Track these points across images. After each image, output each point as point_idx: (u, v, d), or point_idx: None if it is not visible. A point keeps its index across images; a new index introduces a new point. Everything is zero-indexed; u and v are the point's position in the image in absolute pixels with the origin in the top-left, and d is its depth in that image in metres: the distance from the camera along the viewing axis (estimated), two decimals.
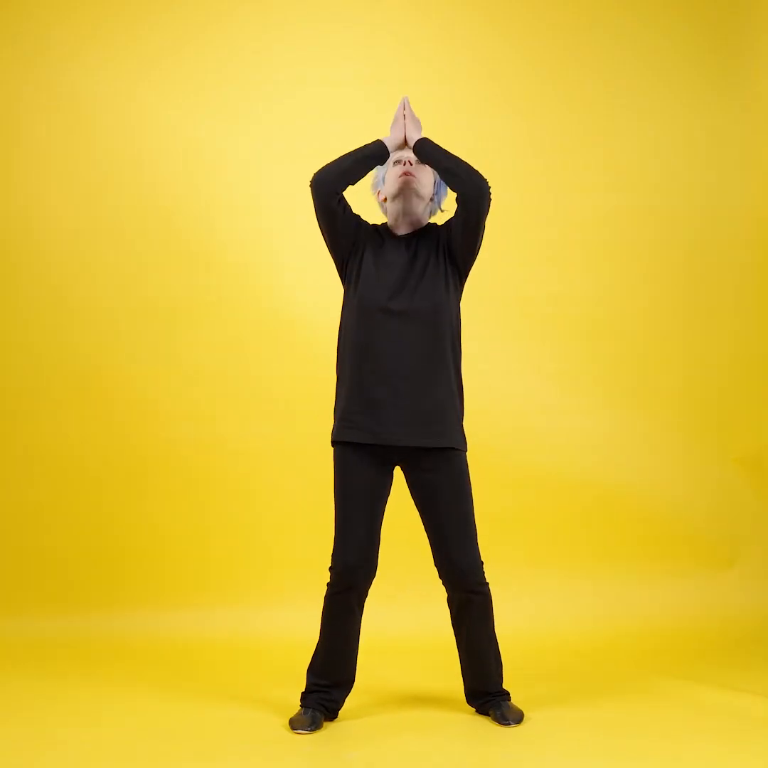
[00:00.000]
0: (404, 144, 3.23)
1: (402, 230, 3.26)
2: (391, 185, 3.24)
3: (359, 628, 3.20)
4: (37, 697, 3.50)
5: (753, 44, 4.90)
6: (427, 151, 3.17)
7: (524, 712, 3.19)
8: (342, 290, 3.27)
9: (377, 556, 3.15)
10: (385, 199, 3.29)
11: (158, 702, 3.41)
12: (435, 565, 3.19)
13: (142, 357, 4.69)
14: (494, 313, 4.78)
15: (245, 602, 4.50)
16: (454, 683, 3.33)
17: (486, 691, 3.22)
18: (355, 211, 3.26)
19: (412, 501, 3.21)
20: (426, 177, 3.25)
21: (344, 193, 3.20)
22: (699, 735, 3.04)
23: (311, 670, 3.20)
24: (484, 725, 3.15)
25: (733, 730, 3.08)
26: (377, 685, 3.55)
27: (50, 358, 4.68)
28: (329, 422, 3.22)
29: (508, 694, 3.24)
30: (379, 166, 3.28)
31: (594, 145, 4.90)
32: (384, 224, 3.31)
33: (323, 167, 3.18)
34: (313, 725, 3.08)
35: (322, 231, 3.24)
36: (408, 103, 3.25)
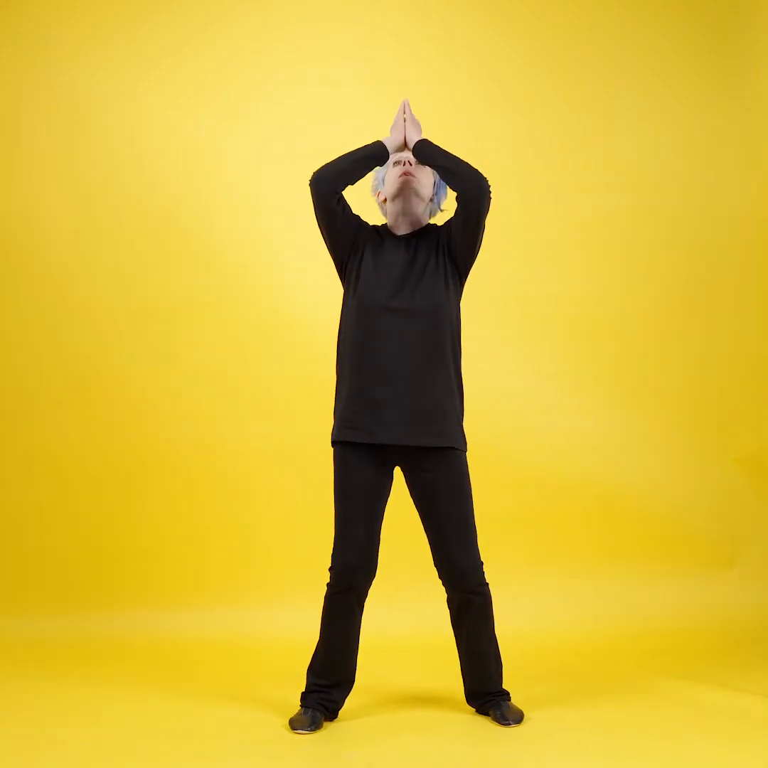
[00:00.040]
0: (404, 146, 3.23)
1: (402, 230, 3.26)
2: (391, 185, 3.25)
3: (359, 628, 3.20)
4: (37, 697, 3.50)
5: (753, 44, 4.90)
6: (426, 152, 3.17)
7: (524, 712, 3.19)
8: (342, 290, 3.27)
9: (377, 557, 3.15)
10: (385, 200, 3.29)
11: (158, 702, 3.41)
12: (435, 565, 3.18)
13: (142, 357, 4.69)
14: (494, 313, 4.78)
15: (245, 602, 4.50)
16: (454, 683, 3.33)
17: (486, 692, 3.22)
18: (354, 212, 3.26)
19: (412, 501, 3.21)
20: (426, 177, 3.25)
21: (345, 197, 3.20)
22: (699, 735, 3.04)
23: (311, 670, 3.20)
24: (484, 725, 3.15)
25: (733, 730, 3.08)
26: (377, 685, 3.55)
27: (50, 358, 4.68)
28: (329, 422, 3.22)
29: (508, 694, 3.24)
30: (378, 168, 3.29)
31: (594, 145, 4.90)
32: (384, 225, 3.32)
33: (322, 166, 3.18)
34: (313, 725, 3.08)
35: (321, 231, 3.24)
36: (408, 106, 3.25)
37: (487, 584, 3.17)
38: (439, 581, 3.20)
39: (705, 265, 4.93)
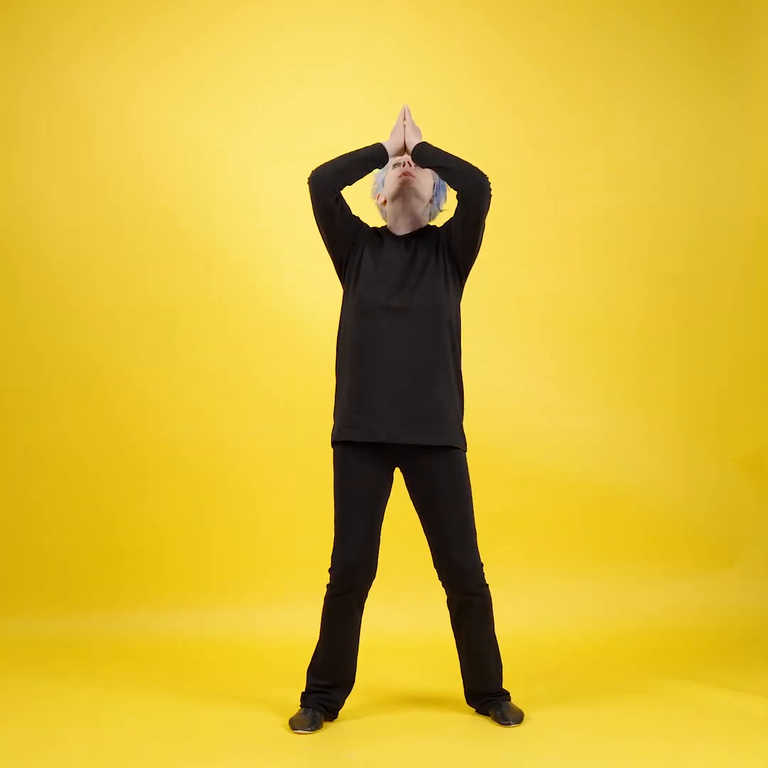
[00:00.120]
0: (404, 150, 3.22)
1: (401, 231, 3.26)
2: (390, 186, 3.25)
3: (359, 628, 3.20)
4: (37, 697, 3.50)
5: (753, 44, 4.90)
6: (425, 155, 3.17)
7: (524, 712, 3.19)
8: (341, 290, 3.27)
9: (377, 557, 3.14)
10: (385, 202, 3.30)
11: (158, 702, 3.40)
12: (435, 567, 3.18)
13: (142, 357, 4.69)
14: (494, 313, 4.78)
15: (245, 602, 4.50)
16: (454, 683, 3.33)
17: (486, 692, 3.22)
18: (354, 214, 3.26)
19: (411, 502, 3.21)
20: (425, 178, 3.25)
21: (344, 198, 3.20)
22: (699, 735, 3.04)
23: (311, 671, 3.20)
24: (484, 725, 3.15)
25: (733, 730, 3.08)
26: (377, 685, 3.55)
27: (50, 358, 4.68)
28: (329, 422, 3.22)
29: (508, 694, 3.23)
30: (377, 171, 3.29)
31: (594, 145, 4.90)
32: (384, 226, 3.32)
33: (321, 165, 3.18)
34: (313, 725, 3.08)
35: (320, 230, 3.24)
36: (408, 111, 3.25)
37: (487, 585, 3.17)
38: (439, 582, 3.20)
39: (705, 265, 4.93)
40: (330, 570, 3.12)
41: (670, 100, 4.93)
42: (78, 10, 4.76)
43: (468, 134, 4.57)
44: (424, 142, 3.19)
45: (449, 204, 3.33)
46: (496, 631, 3.23)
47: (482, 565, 3.15)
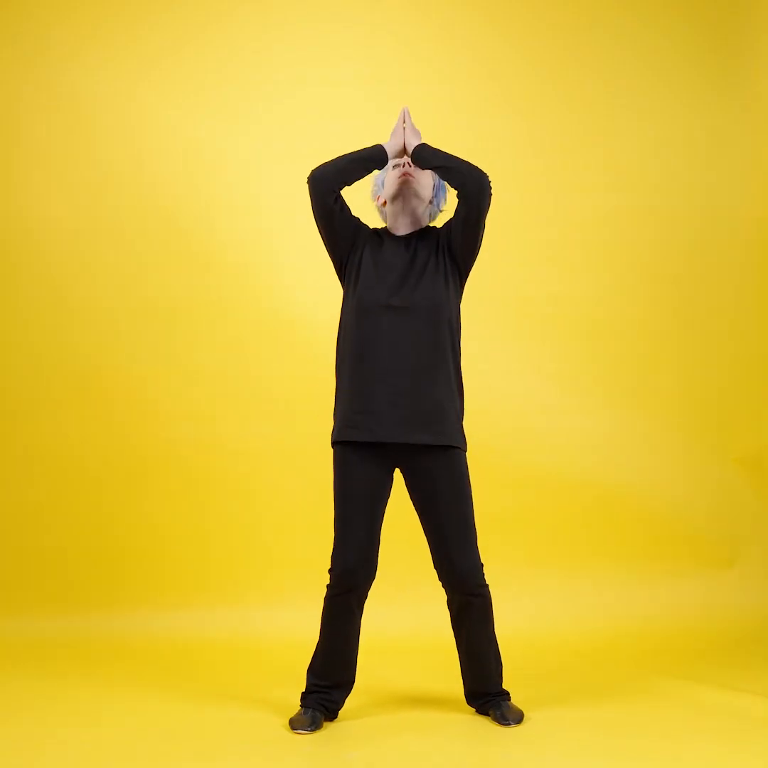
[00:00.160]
0: (403, 151, 3.22)
1: (401, 231, 3.26)
2: (390, 186, 3.25)
3: (359, 628, 3.19)
4: (37, 697, 3.50)
5: (753, 44, 4.90)
6: (425, 156, 3.16)
7: (524, 712, 3.19)
8: (342, 290, 3.27)
9: (377, 558, 3.14)
10: (385, 203, 3.30)
11: (158, 702, 3.40)
12: (434, 567, 3.18)
13: (142, 357, 4.69)
14: (494, 313, 4.78)
15: (245, 602, 4.50)
16: (454, 683, 3.33)
17: (486, 692, 3.22)
18: (354, 215, 3.26)
19: (411, 502, 3.21)
20: (425, 178, 3.26)
21: (344, 199, 3.20)
22: (699, 735, 3.04)
23: (311, 671, 3.20)
24: (484, 725, 3.15)
25: (733, 730, 3.08)
26: (377, 685, 3.55)
27: (50, 358, 4.68)
28: (329, 422, 3.22)
29: (508, 694, 3.23)
30: (377, 173, 3.29)
31: (594, 145, 4.90)
32: (384, 227, 3.32)
33: (321, 165, 3.19)
34: (313, 725, 3.08)
35: (320, 231, 3.24)
36: (408, 113, 3.25)
37: (487, 585, 3.17)
38: (439, 582, 3.20)
39: (705, 265, 4.93)
40: (330, 570, 3.12)
41: (670, 100, 4.94)
42: (78, 10, 4.77)
43: (468, 134, 4.57)
44: (424, 144, 3.19)
45: (449, 204, 3.33)
46: (496, 631, 3.23)
47: (482, 565, 3.15)
